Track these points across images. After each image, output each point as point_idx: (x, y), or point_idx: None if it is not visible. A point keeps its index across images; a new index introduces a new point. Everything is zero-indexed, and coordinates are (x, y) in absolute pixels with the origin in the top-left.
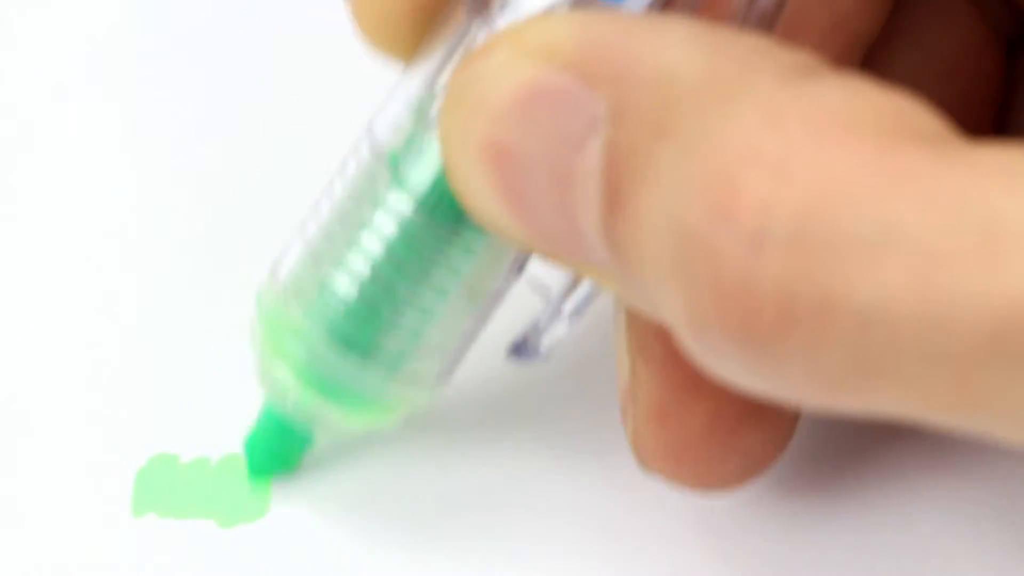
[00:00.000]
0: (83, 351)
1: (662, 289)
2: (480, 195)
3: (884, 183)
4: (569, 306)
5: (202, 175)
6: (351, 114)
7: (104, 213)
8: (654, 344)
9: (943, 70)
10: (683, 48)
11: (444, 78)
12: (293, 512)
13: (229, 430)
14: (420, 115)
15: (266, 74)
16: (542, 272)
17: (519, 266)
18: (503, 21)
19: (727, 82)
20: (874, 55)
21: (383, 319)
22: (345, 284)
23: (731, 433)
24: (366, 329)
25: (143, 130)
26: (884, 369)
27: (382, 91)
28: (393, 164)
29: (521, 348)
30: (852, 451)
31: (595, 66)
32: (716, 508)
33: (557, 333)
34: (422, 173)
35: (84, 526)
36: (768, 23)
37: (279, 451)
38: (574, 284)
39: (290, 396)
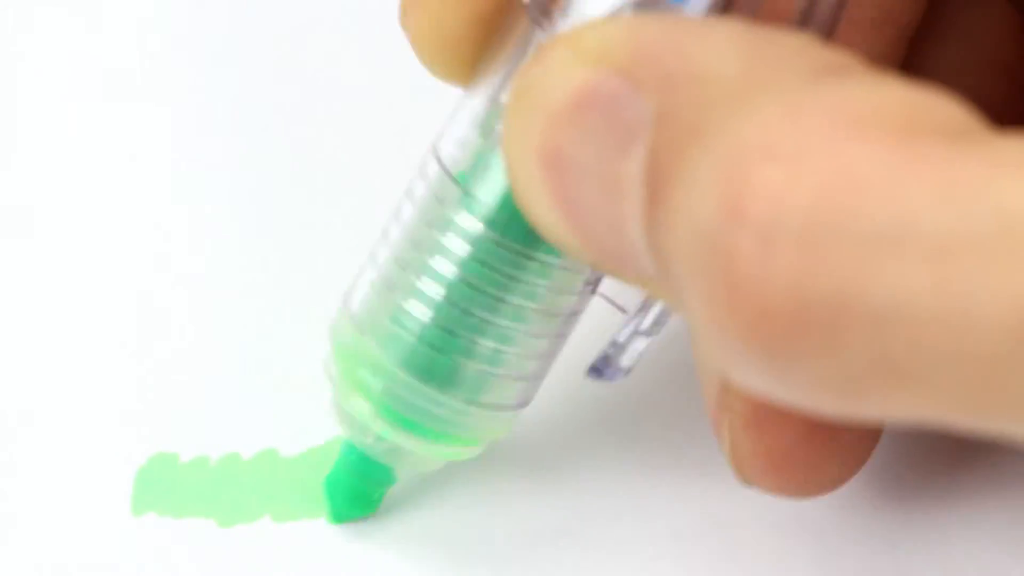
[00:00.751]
0: (83, 350)
1: (686, 293)
2: (538, 204)
3: (899, 177)
4: (648, 321)
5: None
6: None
7: (115, 213)
8: None
9: (982, 60)
10: (723, 50)
11: (508, 93)
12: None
13: (229, 429)
14: (486, 132)
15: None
16: (618, 287)
17: (594, 283)
18: (564, 28)
19: (757, 82)
20: (914, 47)
21: (460, 346)
22: (420, 311)
23: (830, 434)
24: (444, 357)
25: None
26: (904, 371)
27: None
28: (462, 184)
29: (602, 367)
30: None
31: (644, 69)
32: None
33: (637, 349)
34: (492, 191)
35: (84, 525)
36: (829, 24)
37: (360, 491)
38: (651, 298)
39: (370, 430)
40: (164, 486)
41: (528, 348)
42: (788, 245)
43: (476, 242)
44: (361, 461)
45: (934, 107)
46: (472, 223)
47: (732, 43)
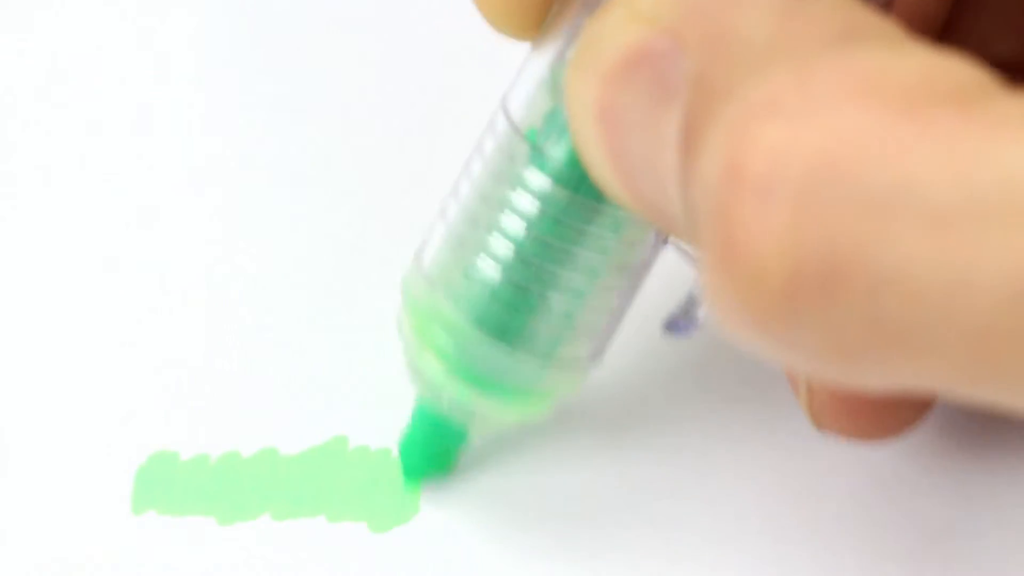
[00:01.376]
0: (84, 350)
1: (698, 252)
2: (594, 157)
3: (902, 141)
4: None
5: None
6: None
7: (113, 213)
8: None
9: (1020, 21)
10: (759, 13)
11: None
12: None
13: (229, 427)
14: (554, 89)
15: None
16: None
17: (664, 236)
18: None
19: (781, 45)
20: (955, 7)
21: (532, 303)
22: (491, 269)
23: None
24: (516, 315)
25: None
26: (900, 337)
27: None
28: (532, 142)
29: (678, 322)
30: None
31: (689, 30)
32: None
33: None
34: (561, 148)
35: (84, 524)
36: None
37: (434, 451)
38: None
39: (442, 390)
40: (164, 484)
41: (600, 303)
42: (784, 203)
43: (546, 199)
44: (435, 421)
45: (950, 72)
46: (542, 180)
47: (769, 6)
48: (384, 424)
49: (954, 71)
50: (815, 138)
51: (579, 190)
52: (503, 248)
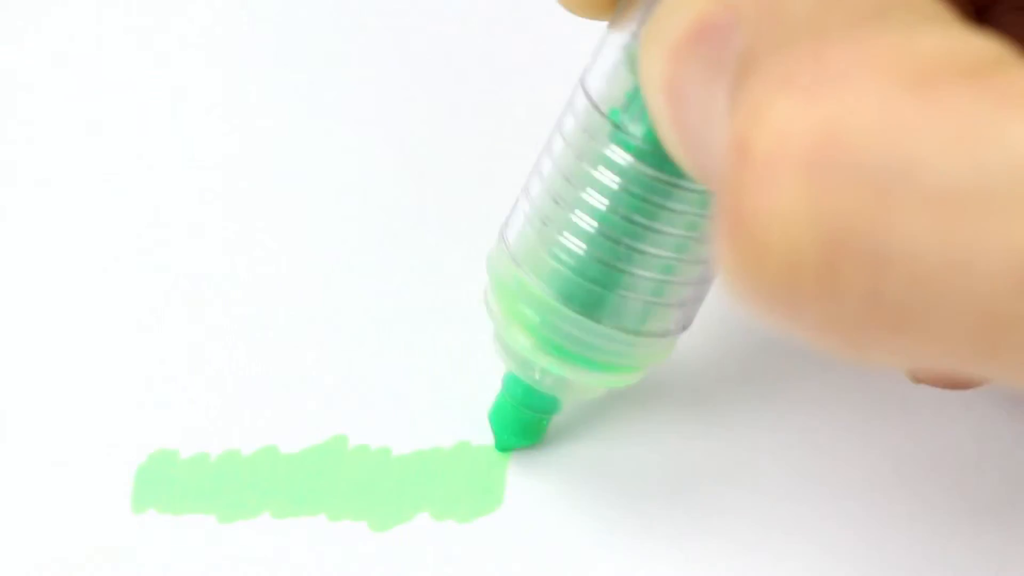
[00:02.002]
0: (84, 349)
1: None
2: (663, 129)
3: (908, 116)
4: None
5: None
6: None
7: (112, 211)
8: None
9: None
10: None
11: None
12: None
13: (229, 426)
14: (633, 66)
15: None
16: None
17: None
18: None
19: (815, 22)
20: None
21: (619, 279)
22: (577, 245)
23: None
24: (603, 291)
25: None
26: (902, 316)
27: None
28: (615, 120)
29: None
30: None
31: (746, 5)
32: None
33: None
34: (645, 127)
35: (84, 522)
36: None
37: (525, 422)
38: None
39: (532, 365)
40: (164, 483)
41: (686, 275)
42: (787, 179)
43: (629, 175)
44: (525, 392)
45: (969, 48)
46: (627, 158)
47: None
48: (384, 424)
49: (974, 47)
50: (821, 113)
51: (663, 167)
52: (587, 225)
